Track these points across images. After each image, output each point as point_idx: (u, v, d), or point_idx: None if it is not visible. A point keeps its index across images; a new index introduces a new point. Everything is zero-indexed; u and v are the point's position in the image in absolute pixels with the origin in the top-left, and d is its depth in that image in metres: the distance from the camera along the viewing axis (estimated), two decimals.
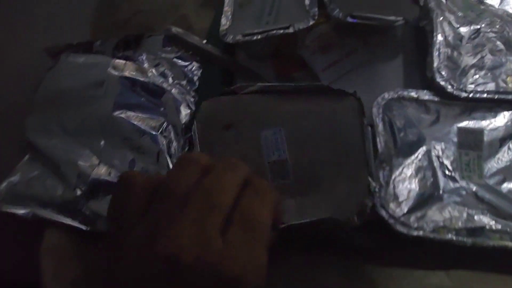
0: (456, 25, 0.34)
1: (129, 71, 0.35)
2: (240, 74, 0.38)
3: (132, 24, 0.42)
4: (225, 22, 0.36)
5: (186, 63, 0.38)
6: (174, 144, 0.33)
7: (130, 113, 0.33)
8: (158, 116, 0.33)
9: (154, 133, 0.32)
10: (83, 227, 0.28)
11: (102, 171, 0.31)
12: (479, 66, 0.31)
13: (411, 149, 0.29)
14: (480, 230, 0.26)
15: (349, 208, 0.25)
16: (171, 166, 0.30)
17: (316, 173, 0.28)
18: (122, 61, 0.36)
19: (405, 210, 0.27)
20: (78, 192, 0.30)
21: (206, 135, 0.31)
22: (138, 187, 0.19)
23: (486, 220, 0.26)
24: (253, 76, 0.38)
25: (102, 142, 0.32)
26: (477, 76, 0.30)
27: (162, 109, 0.34)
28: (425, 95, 0.31)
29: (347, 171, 0.27)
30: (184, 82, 0.38)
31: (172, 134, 0.33)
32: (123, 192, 0.19)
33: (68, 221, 0.29)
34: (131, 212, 0.18)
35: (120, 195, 0.19)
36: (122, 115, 0.33)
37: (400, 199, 0.27)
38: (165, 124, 0.33)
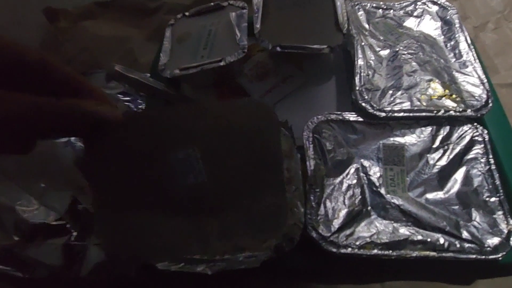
0: (377, 49, 0.37)
1: None
2: None
3: (78, 62, 0.43)
4: (163, 57, 0.38)
5: (130, 98, 0.39)
6: None
7: (70, 152, 0.34)
8: None
9: None
10: (20, 274, 0.28)
11: (41, 216, 0.31)
12: (396, 87, 0.33)
13: (341, 169, 0.31)
14: (403, 243, 0.27)
15: (272, 231, 0.26)
16: None
17: (236, 192, 0.26)
18: None
19: (335, 228, 0.28)
20: (16, 238, 0.29)
21: (106, 158, 0.26)
22: None
23: (409, 232, 0.28)
24: None
25: (42, 185, 0.32)
26: (394, 96, 0.33)
27: None
28: (351, 117, 0.33)
29: (269, 191, 0.26)
30: None
31: None
32: None
33: (5, 269, 0.28)
34: None
35: None
36: (65, 156, 0.34)
37: (331, 218, 0.29)
38: None
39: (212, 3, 0.40)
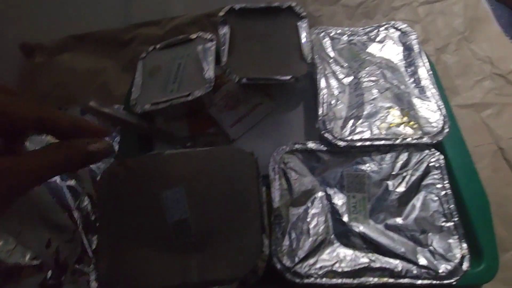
0: (341, 76, 0.38)
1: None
2: (156, 138, 0.41)
3: (53, 97, 0.44)
4: (135, 92, 0.39)
5: None
6: (92, 216, 0.34)
7: (46, 191, 0.35)
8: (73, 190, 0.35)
9: (70, 209, 0.34)
10: None
11: (17, 255, 0.31)
12: (357, 115, 0.34)
13: (306, 197, 0.32)
14: (363, 270, 0.29)
15: (243, 266, 0.27)
16: (85, 241, 0.32)
17: (216, 229, 0.29)
18: (37, 138, 0.38)
19: (300, 258, 0.29)
20: None
21: (110, 199, 0.31)
22: None
23: (369, 260, 0.29)
24: (169, 138, 0.40)
25: (19, 224, 0.33)
26: (355, 125, 0.34)
27: (76, 182, 0.35)
28: (314, 146, 0.34)
29: (242, 228, 0.29)
30: None
31: (88, 206, 0.35)
32: None
33: None
34: None
35: None
36: (40, 193, 0.35)
37: (295, 248, 0.30)
38: (81, 197, 0.35)
39: (181, 36, 0.41)
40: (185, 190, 0.31)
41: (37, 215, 0.34)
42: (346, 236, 0.30)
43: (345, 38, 0.42)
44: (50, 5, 0.49)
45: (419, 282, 0.28)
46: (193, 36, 0.41)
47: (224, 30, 0.39)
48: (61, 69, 0.44)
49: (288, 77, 0.36)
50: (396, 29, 0.41)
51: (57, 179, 0.36)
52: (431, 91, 0.36)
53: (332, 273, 0.28)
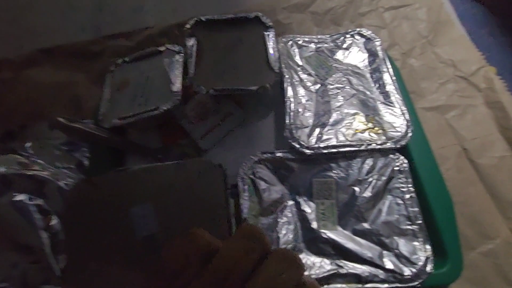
0: (308, 84, 0.39)
1: (10, 165, 0.36)
2: (129, 151, 0.40)
3: (21, 112, 0.43)
4: (103, 107, 0.39)
5: (74, 147, 0.40)
6: (60, 235, 0.34)
7: (13, 211, 0.34)
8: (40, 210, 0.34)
9: (37, 228, 0.33)
10: None
11: None
12: (324, 123, 0.35)
13: (275, 206, 0.33)
14: (332, 277, 0.29)
15: None
16: (52, 261, 0.31)
17: None
18: (2, 157, 0.37)
19: None
20: None
21: (77, 218, 0.31)
22: (199, 248, 0.19)
23: (337, 266, 0.29)
24: (141, 150, 0.40)
25: None
26: (322, 132, 0.34)
27: (44, 200, 0.35)
28: (283, 155, 0.34)
29: None
30: (73, 166, 0.39)
31: (57, 225, 0.34)
32: (187, 246, 0.19)
33: None
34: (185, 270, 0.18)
35: (183, 248, 0.19)
36: (7, 213, 0.34)
37: None
38: (49, 215, 0.34)
39: (149, 48, 0.41)
40: (154, 205, 0.31)
41: (4, 237, 0.33)
42: (315, 243, 0.31)
43: (312, 45, 0.42)
44: (16, 18, 0.48)
45: (386, 286, 0.28)
46: (161, 48, 0.41)
47: (191, 42, 0.39)
48: (29, 83, 0.43)
49: (255, 87, 0.36)
50: (362, 35, 0.42)
51: (23, 198, 0.35)
52: (395, 96, 0.36)
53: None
